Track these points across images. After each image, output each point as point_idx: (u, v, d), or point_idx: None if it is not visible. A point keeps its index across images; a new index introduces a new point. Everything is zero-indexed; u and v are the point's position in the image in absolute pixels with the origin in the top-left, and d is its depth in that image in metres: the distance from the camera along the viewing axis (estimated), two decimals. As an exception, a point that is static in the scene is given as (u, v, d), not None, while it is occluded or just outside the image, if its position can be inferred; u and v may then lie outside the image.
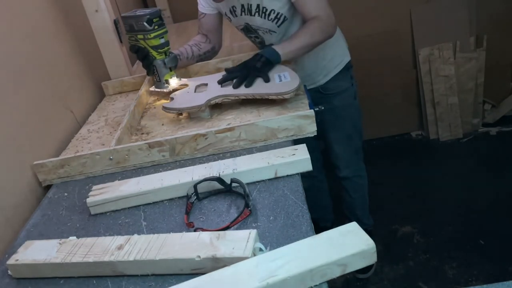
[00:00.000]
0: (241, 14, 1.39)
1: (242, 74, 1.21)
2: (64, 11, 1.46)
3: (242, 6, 1.36)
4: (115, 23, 1.51)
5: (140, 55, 1.30)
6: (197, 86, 1.29)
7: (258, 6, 1.34)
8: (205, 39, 1.51)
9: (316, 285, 0.64)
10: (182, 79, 1.36)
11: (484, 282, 1.75)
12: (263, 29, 1.41)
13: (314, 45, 1.32)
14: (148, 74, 1.36)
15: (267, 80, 1.19)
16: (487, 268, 1.81)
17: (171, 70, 1.34)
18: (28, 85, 1.18)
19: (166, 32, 1.28)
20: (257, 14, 1.36)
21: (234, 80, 1.21)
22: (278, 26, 1.39)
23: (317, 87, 1.58)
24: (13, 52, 1.14)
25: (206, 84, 1.29)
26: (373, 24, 2.47)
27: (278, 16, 1.36)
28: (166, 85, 1.33)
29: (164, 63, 1.31)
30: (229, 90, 1.21)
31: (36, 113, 1.19)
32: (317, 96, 1.55)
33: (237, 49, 1.76)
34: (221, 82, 1.24)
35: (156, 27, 1.24)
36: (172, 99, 1.25)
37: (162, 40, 1.27)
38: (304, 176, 0.93)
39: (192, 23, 2.18)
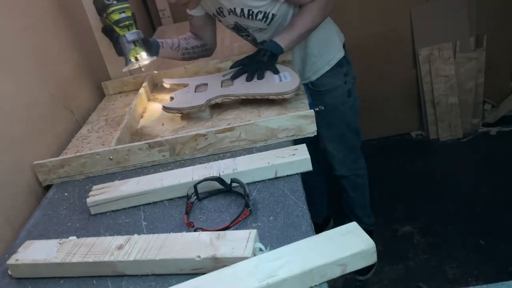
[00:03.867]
0: (229, 14, 1.37)
1: (251, 68, 1.24)
2: (64, 11, 1.46)
3: (230, 9, 1.34)
4: (115, 23, 1.51)
5: (109, 35, 1.26)
6: (197, 86, 1.29)
7: (242, 10, 1.32)
8: (195, 36, 1.50)
9: (316, 285, 0.64)
10: (181, 78, 1.32)
11: (484, 282, 1.74)
12: (252, 27, 1.41)
13: (315, 28, 1.35)
14: (118, 55, 1.29)
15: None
16: (487, 268, 1.81)
17: (135, 45, 1.27)
18: (28, 85, 1.18)
19: (127, 7, 1.24)
20: (243, 16, 1.34)
21: (246, 74, 1.24)
22: (268, 24, 1.38)
23: (307, 83, 1.55)
24: (13, 51, 1.14)
25: (206, 84, 1.29)
26: (373, 24, 2.47)
27: (266, 15, 1.34)
28: (132, 61, 1.26)
29: (126, 38, 1.25)
30: (229, 90, 1.21)
31: (36, 113, 1.18)
32: (307, 93, 1.54)
33: (237, 49, 1.76)
34: (234, 78, 1.25)
35: (114, 1, 1.21)
36: (172, 99, 1.25)
37: (123, 15, 1.23)
38: (303, 174, 0.93)
39: (192, 23, 2.17)
